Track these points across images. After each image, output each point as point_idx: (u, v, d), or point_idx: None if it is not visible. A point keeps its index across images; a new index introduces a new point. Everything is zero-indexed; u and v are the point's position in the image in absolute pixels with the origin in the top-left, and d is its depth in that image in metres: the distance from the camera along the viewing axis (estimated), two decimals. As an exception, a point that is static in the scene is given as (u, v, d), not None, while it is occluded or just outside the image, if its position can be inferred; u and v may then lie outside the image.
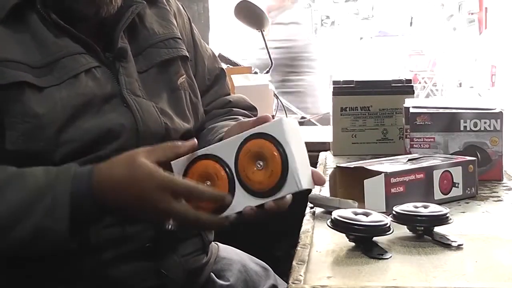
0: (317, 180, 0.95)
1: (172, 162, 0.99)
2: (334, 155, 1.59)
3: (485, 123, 1.26)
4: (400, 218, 0.91)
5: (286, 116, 2.24)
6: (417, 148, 1.29)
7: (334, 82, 1.64)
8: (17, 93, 0.99)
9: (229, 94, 1.38)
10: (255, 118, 1.04)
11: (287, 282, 0.76)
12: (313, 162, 1.51)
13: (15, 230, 0.93)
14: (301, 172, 0.91)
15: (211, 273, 1.24)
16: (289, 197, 0.94)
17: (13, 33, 1.02)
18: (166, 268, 1.10)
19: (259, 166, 0.94)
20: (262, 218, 0.95)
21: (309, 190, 1.01)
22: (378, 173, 1.04)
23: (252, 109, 1.37)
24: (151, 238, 1.08)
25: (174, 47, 1.20)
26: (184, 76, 1.21)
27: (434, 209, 0.91)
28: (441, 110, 1.29)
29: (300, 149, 0.94)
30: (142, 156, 0.94)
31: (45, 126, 1.00)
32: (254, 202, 0.94)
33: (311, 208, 1.07)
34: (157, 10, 1.21)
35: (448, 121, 1.28)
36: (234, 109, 1.32)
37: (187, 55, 1.23)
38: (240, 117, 1.29)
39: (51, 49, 1.03)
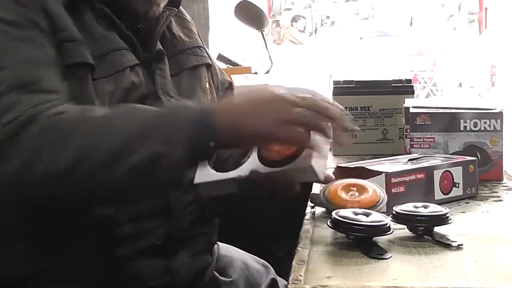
0: (326, 177, 1.00)
1: None
2: (334, 155, 1.59)
3: (485, 123, 1.26)
4: (400, 218, 0.91)
5: None
6: (417, 148, 1.29)
7: (334, 82, 1.64)
8: (83, 74, 1.01)
9: None
10: None
11: (287, 282, 0.76)
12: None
13: (130, 156, 0.89)
14: (316, 159, 0.93)
15: (214, 271, 1.24)
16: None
17: None
18: (176, 267, 1.11)
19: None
20: (265, 190, 0.95)
21: (309, 192, 1.02)
22: (378, 173, 1.04)
23: None
24: (164, 235, 1.09)
25: (201, 55, 1.24)
26: (208, 82, 1.24)
27: (434, 209, 0.91)
28: (441, 110, 1.29)
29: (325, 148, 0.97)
30: None
31: None
32: (263, 169, 0.95)
33: (311, 208, 1.07)
34: (179, 20, 1.26)
35: (448, 121, 1.28)
36: None
37: (211, 63, 1.27)
38: None
39: (101, 42, 1.05)
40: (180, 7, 1.29)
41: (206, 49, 1.33)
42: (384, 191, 1.00)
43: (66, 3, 1.04)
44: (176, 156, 0.89)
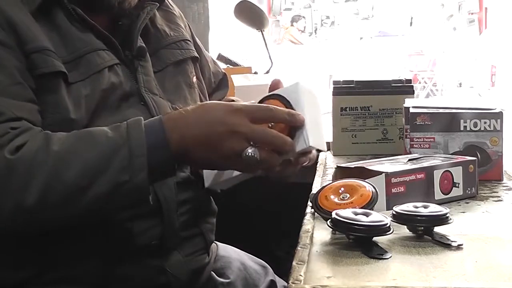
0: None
1: None
2: (334, 155, 1.59)
3: (485, 123, 1.26)
4: (400, 218, 0.91)
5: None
6: (417, 148, 1.29)
7: (334, 82, 1.64)
8: (54, 83, 1.00)
9: None
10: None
11: (287, 282, 0.76)
12: (313, 162, 1.52)
13: (92, 188, 0.91)
14: (311, 131, 0.94)
15: (212, 272, 1.24)
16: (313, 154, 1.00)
17: (42, 28, 1.03)
18: (171, 267, 1.11)
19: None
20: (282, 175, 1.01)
21: (309, 192, 1.01)
22: (378, 173, 1.04)
23: None
24: (158, 235, 1.08)
25: (186, 48, 1.23)
26: (195, 76, 1.24)
27: (434, 209, 0.91)
28: (441, 110, 1.29)
29: (313, 112, 0.97)
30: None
31: (73, 121, 1.00)
32: None
33: (311, 208, 1.07)
34: (164, 13, 1.24)
35: (448, 121, 1.28)
36: None
37: (198, 56, 1.26)
38: None
39: (76, 44, 1.05)
40: (168, 0, 1.28)
41: (197, 42, 1.32)
42: (374, 186, 0.99)
43: (34, 9, 1.02)
44: (137, 181, 0.92)
